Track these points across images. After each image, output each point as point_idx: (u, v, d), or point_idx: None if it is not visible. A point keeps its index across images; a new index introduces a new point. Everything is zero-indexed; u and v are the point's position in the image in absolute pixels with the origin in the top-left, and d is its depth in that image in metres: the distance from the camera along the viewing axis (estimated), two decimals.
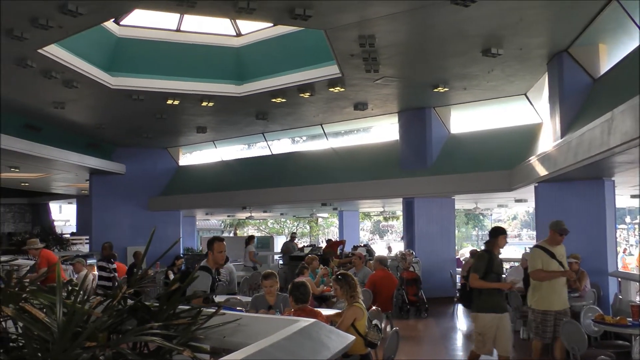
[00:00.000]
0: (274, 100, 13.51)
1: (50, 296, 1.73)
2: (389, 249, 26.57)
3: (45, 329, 1.59)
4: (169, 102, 13.44)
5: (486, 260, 6.83)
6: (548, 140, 11.57)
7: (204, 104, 13.75)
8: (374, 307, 7.45)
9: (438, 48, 10.60)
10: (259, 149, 19.86)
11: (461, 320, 12.46)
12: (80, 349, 1.53)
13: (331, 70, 11.87)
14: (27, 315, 1.65)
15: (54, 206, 31.13)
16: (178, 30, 12.69)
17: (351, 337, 2.17)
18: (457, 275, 14.46)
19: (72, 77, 11.62)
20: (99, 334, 1.62)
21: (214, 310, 2.04)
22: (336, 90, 12.67)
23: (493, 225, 13.23)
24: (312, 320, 2.09)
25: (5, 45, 9.69)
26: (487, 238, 7.22)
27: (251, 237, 18.50)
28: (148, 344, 1.83)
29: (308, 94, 12.95)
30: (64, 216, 35.67)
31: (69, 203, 31.57)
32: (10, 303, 1.72)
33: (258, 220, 40.13)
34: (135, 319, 1.93)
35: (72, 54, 11.07)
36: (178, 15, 12.13)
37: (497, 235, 6.98)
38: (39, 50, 10.14)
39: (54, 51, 10.50)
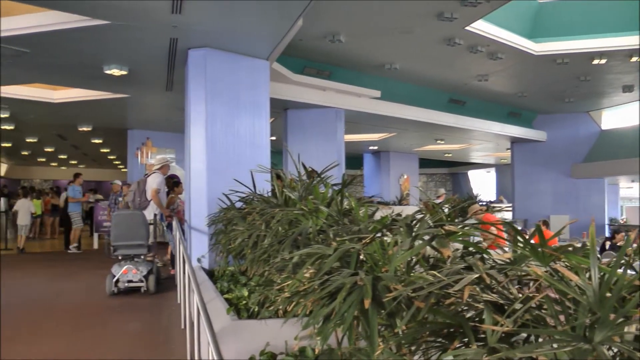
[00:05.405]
0: None
1: (584, 259, 1.75)
2: None
3: (576, 293, 1.61)
4: (595, 62, 12.77)
5: None
6: None
7: (634, 59, 12.69)
8: None
9: None
10: None
11: None
12: (622, 318, 1.50)
13: None
14: (557, 277, 1.70)
15: (472, 174, 32.69)
16: None
17: None
18: None
19: (496, 49, 11.97)
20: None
21: None
22: None
23: None
24: None
25: (433, 28, 10.48)
26: None
27: None
28: None
29: None
30: (481, 184, 37.19)
31: (487, 172, 32.81)
32: (543, 263, 1.81)
33: None
34: None
35: (496, 26, 11.35)
36: None
37: None
38: (466, 28, 10.67)
39: (480, 26, 10.93)
